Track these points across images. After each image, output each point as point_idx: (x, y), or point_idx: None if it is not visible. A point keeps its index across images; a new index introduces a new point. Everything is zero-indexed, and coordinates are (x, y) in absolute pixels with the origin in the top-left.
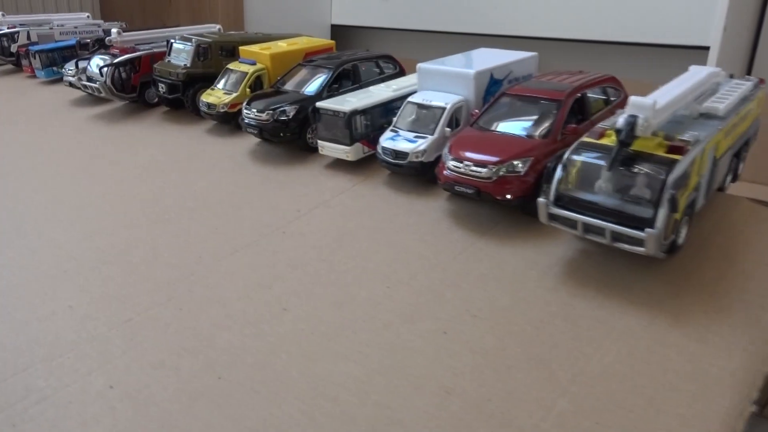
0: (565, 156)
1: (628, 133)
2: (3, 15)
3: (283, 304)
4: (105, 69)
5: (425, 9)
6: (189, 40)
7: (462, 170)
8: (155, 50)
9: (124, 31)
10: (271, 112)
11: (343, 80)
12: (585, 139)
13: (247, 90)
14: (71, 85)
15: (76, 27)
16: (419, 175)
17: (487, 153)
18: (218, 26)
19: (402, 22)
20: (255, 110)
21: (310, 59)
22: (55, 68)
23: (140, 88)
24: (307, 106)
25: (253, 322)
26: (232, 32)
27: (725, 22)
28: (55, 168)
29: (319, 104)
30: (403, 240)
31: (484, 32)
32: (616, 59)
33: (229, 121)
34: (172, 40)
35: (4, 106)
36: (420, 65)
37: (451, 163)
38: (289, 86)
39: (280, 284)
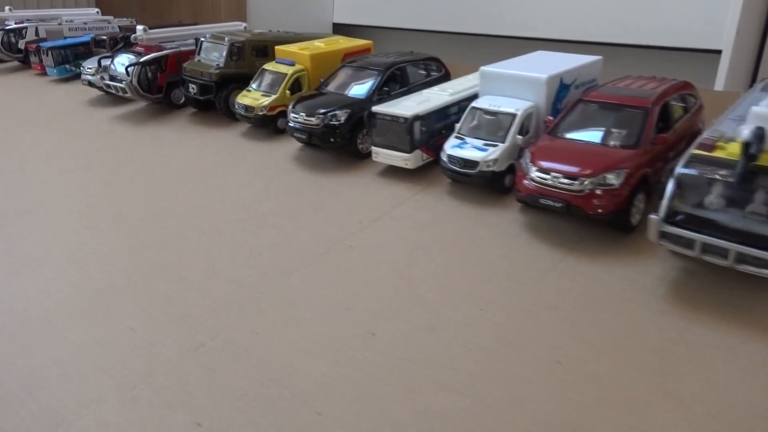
0: (677, 170)
1: (759, 147)
2: (10, 10)
3: (368, 327)
4: (131, 68)
5: (430, 9)
6: (221, 38)
7: (549, 182)
8: (182, 49)
9: (126, 26)
10: (321, 116)
11: (391, 83)
12: (696, 152)
13: (287, 92)
14: (90, 84)
15: (85, 23)
16: (489, 185)
17: (576, 164)
18: (244, 24)
19: (405, 22)
20: (304, 114)
21: (353, 60)
22: (68, 66)
23: (166, 89)
24: (358, 110)
25: (339, 347)
26: (263, 31)
27: (738, 25)
28: (86, 173)
29: (375, 109)
30: (482, 255)
31: (491, 33)
32: (626, 62)
33: (267, 124)
34: (202, 39)
35: (18, 106)
36: (484, 69)
37: (536, 175)
38: (334, 89)
39: (360, 304)
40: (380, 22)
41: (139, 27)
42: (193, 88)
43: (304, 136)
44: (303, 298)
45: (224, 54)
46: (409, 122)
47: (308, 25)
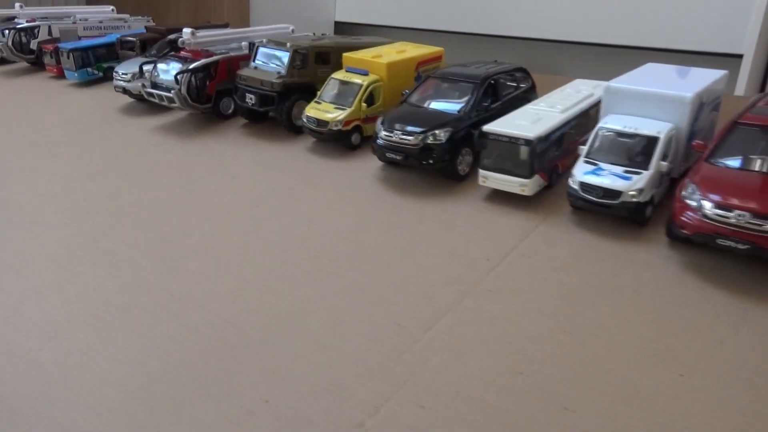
0: None
1: None
2: (21, 7)
3: (557, 400)
4: (181, 76)
5: (433, 8)
6: (282, 44)
7: (732, 221)
8: (232, 54)
9: (153, 27)
10: (420, 135)
11: (483, 97)
12: None
13: (363, 105)
14: (125, 91)
15: (101, 22)
16: (631, 216)
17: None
18: (291, 27)
19: (408, 21)
20: (400, 132)
21: (441, 72)
22: (90, 69)
23: (215, 98)
24: (459, 128)
25: (527, 427)
26: (322, 35)
27: (760, 29)
28: (145, 196)
29: (488, 128)
30: (650, 303)
31: (498, 33)
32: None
33: (341, 140)
34: (258, 44)
35: (42, 114)
36: (611, 85)
37: (713, 212)
38: (423, 103)
39: (532, 368)
40: (382, 21)
41: (186, 30)
42: (250, 99)
43: (398, 157)
44: (459, 358)
45: (287, 61)
46: (532, 144)
47: (309, 23)
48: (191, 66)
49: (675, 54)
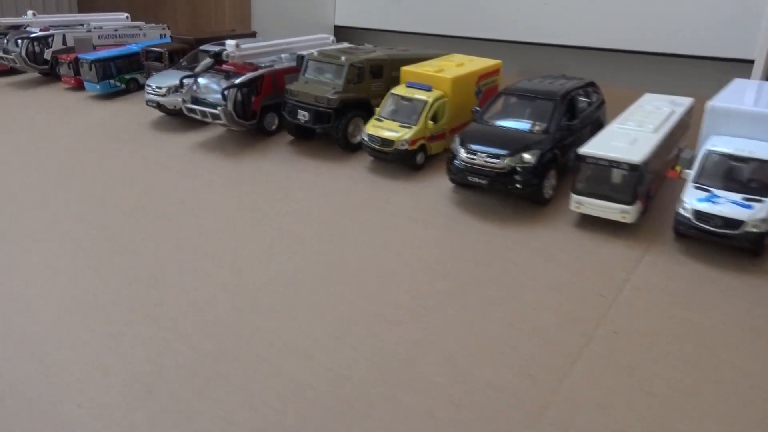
0: None
1: None
2: (34, 14)
3: None
4: (228, 91)
5: (436, 12)
6: (335, 57)
7: None
8: (276, 67)
9: (180, 37)
10: (507, 157)
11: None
12: None
13: (429, 123)
14: (159, 106)
15: (116, 30)
16: (752, 247)
17: None
18: (331, 37)
19: (408, 25)
20: (485, 155)
21: (515, 88)
22: (112, 81)
23: (260, 113)
24: (546, 149)
25: None
26: (367, 47)
27: None
28: (197, 224)
29: (586, 151)
30: None
31: (505, 38)
32: (655, 70)
33: (407, 160)
34: (308, 57)
35: (66, 129)
36: (714, 105)
37: None
38: (497, 120)
39: (694, 428)
40: (382, 25)
41: (231, 42)
42: (303, 115)
43: (483, 181)
44: (609, 415)
45: (343, 75)
46: (639, 169)
47: (309, 27)
48: (238, 81)
49: (685, 59)
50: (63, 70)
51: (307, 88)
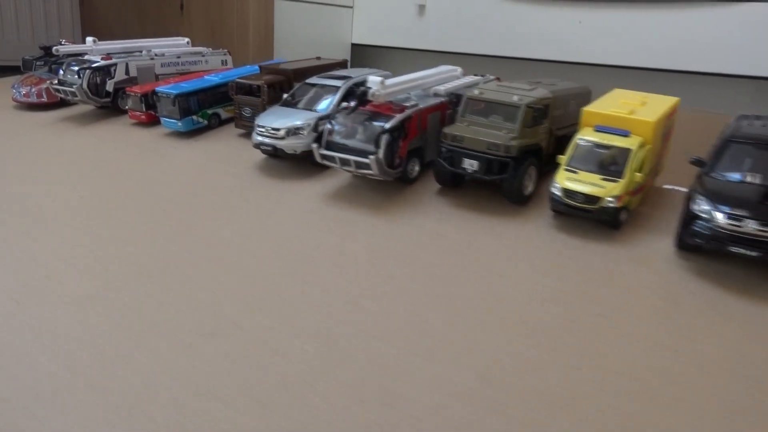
0: None
1: None
2: (94, 42)
3: None
4: (382, 137)
5: (462, 30)
6: (508, 97)
7: None
8: (421, 107)
9: (274, 68)
10: None
11: None
12: None
13: (636, 174)
14: (275, 150)
15: (178, 57)
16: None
17: None
18: (459, 69)
19: (433, 43)
20: (755, 223)
21: (744, 134)
22: (195, 117)
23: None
24: None
25: None
26: (533, 82)
27: None
28: (377, 317)
29: None
30: None
31: (537, 57)
32: (683, 88)
33: (612, 218)
34: (467, 95)
35: (157, 174)
36: None
37: None
38: (735, 172)
39: None
40: (401, 44)
41: (375, 78)
42: (471, 165)
43: (755, 253)
44: None
45: (518, 118)
46: None
47: (327, 46)
48: (389, 125)
49: (722, 78)
50: (132, 103)
51: (473, 133)
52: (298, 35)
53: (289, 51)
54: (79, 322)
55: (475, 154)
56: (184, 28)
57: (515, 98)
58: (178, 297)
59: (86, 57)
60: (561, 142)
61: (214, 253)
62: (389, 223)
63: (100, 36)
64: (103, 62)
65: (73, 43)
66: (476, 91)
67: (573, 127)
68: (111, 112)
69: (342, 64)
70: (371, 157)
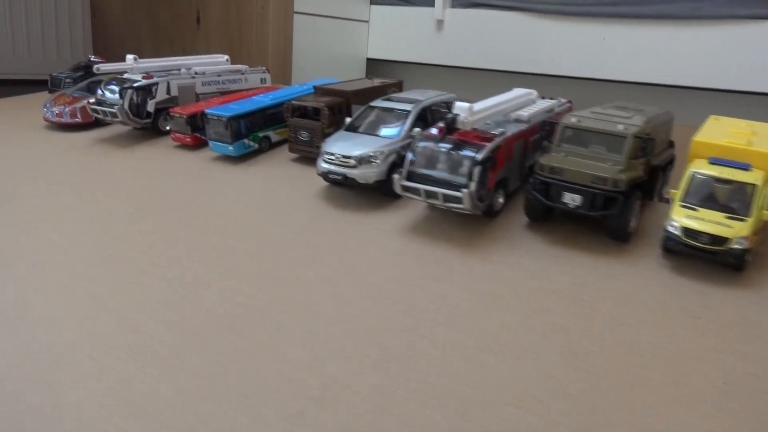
0: None
1: None
2: (135, 59)
3: None
4: (474, 169)
5: (484, 46)
6: (611, 125)
7: None
8: (508, 134)
9: (329, 89)
10: None
11: None
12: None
13: (764, 212)
14: (346, 179)
15: (219, 75)
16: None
17: None
18: (535, 92)
19: (452, 59)
20: None
21: None
22: (246, 141)
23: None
24: None
25: None
26: (619, 106)
27: None
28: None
29: None
30: None
31: (561, 74)
32: (717, 107)
33: (738, 261)
34: (564, 123)
35: (221, 205)
36: None
37: None
38: None
39: None
40: (417, 59)
41: (463, 105)
42: (573, 199)
43: None
44: None
45: (624, 149)
46: None
47: (343, 62)
48: (481, 156)
49: (749, 95)
50: (176, 125)
51: (574, 165)
52: (314, 50)
53: (306, 66)
54: (168, 380)
55: (578, 187)
56: (200, 42)
57: (620, 127)
58: (275, 354)
59: (126, 75)
60: (653, 174)
61: (302, 299)
62: (483, 262)
63: (112, 51)
64: (144, 81)
65: (103, 59)
66: (573, 119)
67: (661, 156)
68: (150, 133)
69: (397, 85)
70: (464, 190)
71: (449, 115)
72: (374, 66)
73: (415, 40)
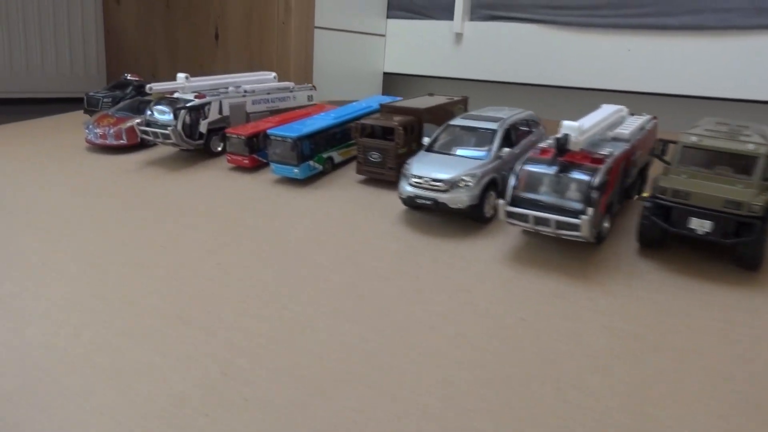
0: None
1: None
2: (187, 78)
3: None
4: (593, 194)
5: (503, 58)
6: (740, 144)
7: None
8: (616, 154)
9: (402, 107)
10: None
11: None
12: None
13: None
14: (436, 206)
15: (268, 93)
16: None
17: None
18: (625, 108)
19: (470, 72)
20: None
21: None
22: (311, 163)
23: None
24: None
25: None
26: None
27: None
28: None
29: None
30: None
31: (584, 86)
32: (736, 116)
33: None
34: (684, 141)
35: (303, 236)
36: None
37: None
38: None
39: None
40: (434, 72)
41: (572, 124)
42: (702, 225)
43: None
44: None
45: (756, 170)
46: None
47: (360, 76)
48: (597, 181)
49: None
50: (233, 146)
51: (701, 188)
52: (333, 65)
53: (324, 81)
54: None
55: (707, 212)
56: (219, 58)
57: (750, 146)
58: (414, 410)
59: (176, 95)
60: None
61: (423, 341)
62: (607, 296)
63: (125, 68)
64: (197, 101)
65: (140, 78)
66: (694, 138)
67: None
68: (200, 155)
69: (463, 102)
70: (583, 217)
71: (560, 136)
72: (391, 80)
73: (432, 53)
